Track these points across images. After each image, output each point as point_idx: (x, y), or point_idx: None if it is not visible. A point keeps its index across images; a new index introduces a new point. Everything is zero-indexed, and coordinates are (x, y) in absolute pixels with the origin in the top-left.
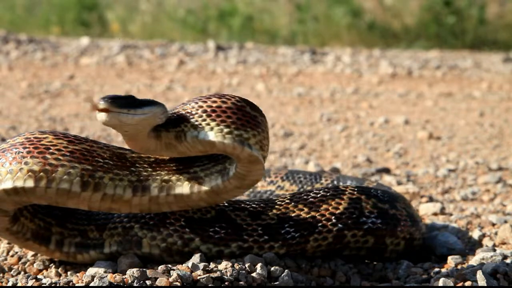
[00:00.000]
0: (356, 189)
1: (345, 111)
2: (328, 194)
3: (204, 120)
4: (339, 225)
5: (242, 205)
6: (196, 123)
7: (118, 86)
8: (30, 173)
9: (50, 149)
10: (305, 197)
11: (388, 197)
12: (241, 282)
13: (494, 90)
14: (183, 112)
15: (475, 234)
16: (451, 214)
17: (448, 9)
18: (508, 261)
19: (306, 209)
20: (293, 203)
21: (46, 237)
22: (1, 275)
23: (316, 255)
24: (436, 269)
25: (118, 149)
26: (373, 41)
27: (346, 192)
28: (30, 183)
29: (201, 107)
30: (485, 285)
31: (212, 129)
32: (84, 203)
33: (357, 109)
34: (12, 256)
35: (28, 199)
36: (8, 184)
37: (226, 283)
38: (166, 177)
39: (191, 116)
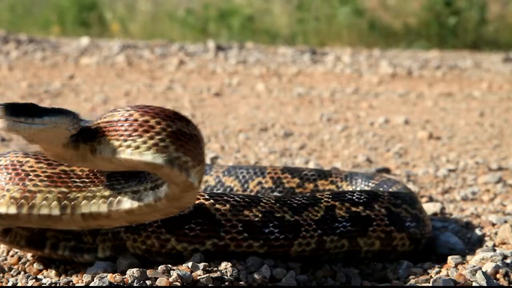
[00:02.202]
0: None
1: (345, 111)
2: (307, 201)
3: (101, 136)
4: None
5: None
6: (98, 140)
7: (118, 86)
8: (12, 200)
9: (30, 175)
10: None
11: (366, 197)
12: (241, 282)
13: (494, 90)
14: (102, 124)
15: (475, 234)
16: (451, 214)
17: (448, 9)
18: (508, 261)
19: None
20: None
21: (40, 242)
22: (1, 275)
23: (299, 259)
24: (436, 269)
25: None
26: (373, 41)
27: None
28: (13, 210)
29: (99, 123)
30: (485, 285)
31: (106, 145)
32: (70, 224)
33: (357, 109)
34: (12, 256)
35: (15, 223)
36: None
37: (226, 283)
38: (135, 188)
39: (105, 130)
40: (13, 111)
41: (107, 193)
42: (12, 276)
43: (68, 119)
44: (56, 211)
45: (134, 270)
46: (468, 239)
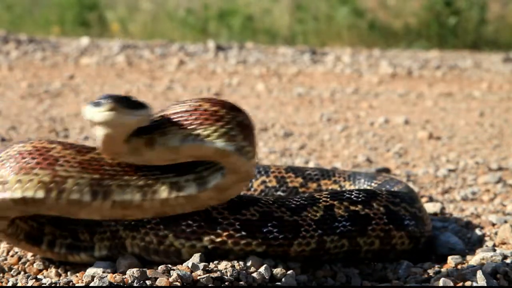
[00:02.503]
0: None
1: (345, 111)
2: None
3: (167, 126)
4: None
5: None
6: (162, 130)
7: (118, 86)
8: (40, 184)
9: (59, 160)
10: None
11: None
12: (241, 282)
13: (494, 90)
14: (168, 115)
15: (475, 234)
16: (451, 214)
17: (448, 9)
18: (508, 261)
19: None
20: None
21: (38, 237)
22: (1, 275)
23: (298, 259)
24: (436, 269)
25: None
26: (373, 41)
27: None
28: (40, 194)
29: (165, 115)
30: (485, 285)
31: (175, 134)
32: (96, 212)
33: (357, 109)
34: (12, 256)
35: (36, 210)
36: (17, 194)
37: (226, 283)
38: (174, 179)
39: (173, 120)
40: (123, 104)
41: (141, 182)
42: (12, 276)
43: (150, 111)
44: (87, 197)
45: (134, 270)
46: (468, 239)
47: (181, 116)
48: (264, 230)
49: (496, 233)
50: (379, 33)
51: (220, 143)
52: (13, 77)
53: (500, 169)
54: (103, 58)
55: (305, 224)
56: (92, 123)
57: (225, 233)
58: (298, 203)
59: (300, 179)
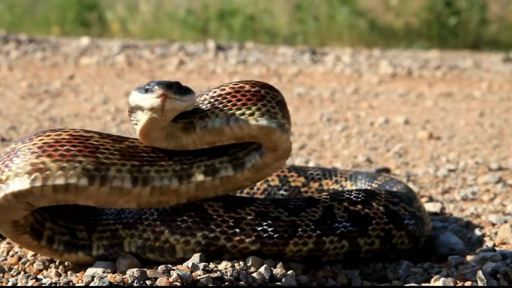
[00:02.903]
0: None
1: (345, 111)
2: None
3: (209, 109)
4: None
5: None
6: (203, 114)
7: (118, 86)
8: (84, 172)
9: (100, 148)
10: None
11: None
12: (241, 282)
13: (494, 90)
14: (209, 99)
15: (475, 234)
16: (451, 214)
17: (449, 9)
18: (508, 261)
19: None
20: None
21: (40, 232)
22: (1, 275)
23: (295, 260)
24: (436, 269)
25: None
26: (373, 41)
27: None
28: (84, 182)
29: (205, 99)
30: (485, 285)
31: (217, 116)
32: (134, 200)
33: (357, 109)
34: (12, 256)
35: (74, 198)
36: (60, 181)
37: (226, 283)
38: (208, 162)
39: (215, 103)
40: (172, 90)
41: (177, 167)
42: (12, 276)
43: (195, 96)
44: (128, 184)
45: (134, 270)
46: (468, 239)
47: (224, 98)
48: (259, 229)
49: (496, 233)
50: (379, 33)
51: (263, 121)
52: (13, 77)
53: (500, 169)
54: (103, 58)
55: (303, 224)
56: (137, 108)
57: (218, 229)
58: (297, 204)
59: (302, 179)
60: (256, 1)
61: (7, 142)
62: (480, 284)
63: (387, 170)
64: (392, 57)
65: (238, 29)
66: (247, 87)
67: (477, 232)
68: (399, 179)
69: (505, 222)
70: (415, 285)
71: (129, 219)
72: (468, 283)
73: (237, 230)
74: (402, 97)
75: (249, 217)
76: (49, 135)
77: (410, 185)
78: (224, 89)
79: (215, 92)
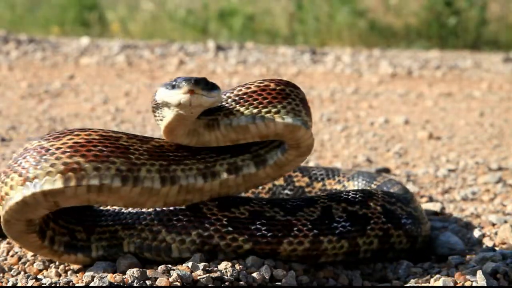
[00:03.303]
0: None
1: (345, 111)
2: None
3: (234, 107)
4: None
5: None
6: (228, 111)
7: (118, 86)
8: (117, 172)
9: (130, 148)
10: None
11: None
12: (241, 282)
13: (494, 90)
14: (234, 97)
15: (475, 234)
16: (451, 214)
17: (449, 9)
18: (508, 261)
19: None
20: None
21: (44, 231)
22: (1, 275)
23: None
24: (436, 269)
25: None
26: (373, 41)
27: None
28: (117, 183)
29: (229, 97)
30: (485, 285)
31: (242, 113)
32: (161, 199)
33: (357, 109)
34: (12, 256)
35: (105, 199)
36: (95, 181)
37: (226, 283)
38: (231, 160)
39: (240, 100)
40: (200, 86)
41: (201, 165)
42: (12, 276)
43: (221, 93)
44: (157, 184)
45: (134, 270)
46: (468, 239)
47: (250, 96)
48: (252, 227)
49: (496, 233)
50: (379, 33)
51: (289, 119)
52: (13, 77)
53: (500, 169)
54: (103, 58)
55: (299, 223)
56: (163, 105)
57: (212, 228)
58: (294, 204)
59: (306, 179)
60: (256, 1)
61: (7, 142)
62: (480, 284)
63: (387, 170)
64: (392, 57)
65: (238, 29)
66: (272, 85)
67: (477, 232)
68: (399, 179)
69: (505, 222)
70: (415, 285)
71: (127, 220)
72: (468, 283)
73: (230, 228)
74: (402, 97)
75: (242, 216)
76: (78, 135)
77: (410, 185)
78: (249, 87)
79: (240, 90)
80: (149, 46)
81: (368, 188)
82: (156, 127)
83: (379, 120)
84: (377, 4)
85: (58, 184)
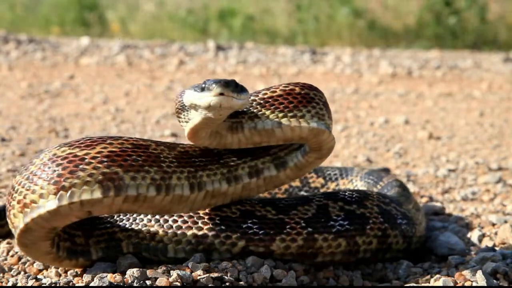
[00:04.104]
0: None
1: (345, 111)
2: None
3: (259, 110)
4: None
5: None
6: (252, 114)
7: (118, 86)
8: (152, 181)
9: (160, 156)
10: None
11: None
12: (241, 282)
13: (494, 90)
14: (259, 100)
15: (475, 234)
16: (451, 214)
17: (448, 9)
18: (508, 261)
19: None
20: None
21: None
22: (1, 275)
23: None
24: (436, 269)
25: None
26: (373, 41)
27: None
28: (152, 192)
29: (254, 100)
30: (485, 285)
31: (268, 117)
32: (188, 206)
33: (357, 109)
34: (12, 256)
35: (136, 208)
36: (132, 192)
37: (226, 283)
38: (252, 163)
39: (266, 104)
40: (230, 88)
41: (225, 169)
42: (12, 276)
43: (249, 95)
44: (187, 191)
45: (134, 270)
46: (468, 239)
47: (275, 100)
48: (244, 226)
49: (496, 233)
50: (379, 33)
51: (314, 123)
52: (13, 77)
53: (500, 169)
54: (103, 58)
55: (292, 222)
56: (191, 107)
57: (205, 227)
58: (287, 203)
59: (321, 180)
60: (256, 1)
61: (7, 142)
62: (480, 284)
63: (387, 170)
64: (392, 57)
65: (238, 29)
66: (297, 89)
67: (477, 232)
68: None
69: (505, 222)
70: (415, 285)
71: (125, 221)
72: (468, 283)
73: (223, 227)
74: (402, 97)
75: (234, 215)
76: (111, 143)
77: (410, 185)
78: (275, 91)
79: (265, 93)
80: (149, 46)
81: (375, 188)
82: (155, 127)
83: (379, 120)
84: (376, 4)
85: (97, 194)
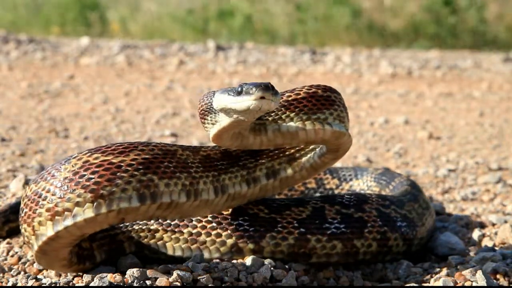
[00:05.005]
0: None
1: None
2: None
3: (284, 113)
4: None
5: None
6: (276, 116)
7: (118, 86)
8: (183, 187)
9: (188, 162)
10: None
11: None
12: (241, 282)
13: (494, 90)
14: (282, 103)
15: (475, 234)
16: (451, 214)
17: (448, 9)
18: (508, 261)
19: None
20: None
21: None
22: (1, 275)
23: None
24: (436, 269)
25: (217, 146)
26: (373, 41)
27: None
28: (183, 198)
29: (300, 98)
30: (485, 285)
31: (292, 119)
32: (211, 209)
33: (357, 109)
34: (12, 256)
35: (167, 214)
36: (166, 199)
37: (227, 283)
38: (269, 164)
39: (289, 107)
40: (269, 91)
41: (244, 172)
42: (12, 276)
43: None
44: (212, 195)
45: (134, 270)
46: (468, 239)
47: (300, 103)
48: (234, 223)
49: (496, 233)
50: (379, 33)
51: (336, 126)
52: (13, 77)
53: (500, 169)
54: (103, 58)
55: (284, 221)
56: (223, 110)
57: (199, 225)
58: (281, 203)
59: (336, 181)
60: (256, 1)
61: (7, 142)
62: (480, 284)
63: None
64: (392, 57)
65: (238, 29)
66: (320, 92)
67: (477, 232)
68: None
69: (505, 222)
70: (415, 285)
71: (125, 223)
72: (468, 283)
73: (214, 224)
74: (402, 97)
75: (226, 213)
76: (143, 150)
77: None
78: (299, 94)
79: (289, 96)
80: (149, 46)
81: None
82: (155, 127)
83: (379, 120)
84: (376, 5)
85: (135, 202)
